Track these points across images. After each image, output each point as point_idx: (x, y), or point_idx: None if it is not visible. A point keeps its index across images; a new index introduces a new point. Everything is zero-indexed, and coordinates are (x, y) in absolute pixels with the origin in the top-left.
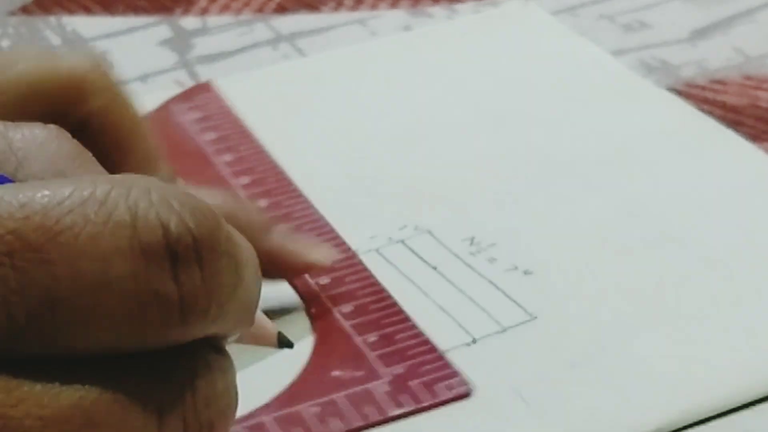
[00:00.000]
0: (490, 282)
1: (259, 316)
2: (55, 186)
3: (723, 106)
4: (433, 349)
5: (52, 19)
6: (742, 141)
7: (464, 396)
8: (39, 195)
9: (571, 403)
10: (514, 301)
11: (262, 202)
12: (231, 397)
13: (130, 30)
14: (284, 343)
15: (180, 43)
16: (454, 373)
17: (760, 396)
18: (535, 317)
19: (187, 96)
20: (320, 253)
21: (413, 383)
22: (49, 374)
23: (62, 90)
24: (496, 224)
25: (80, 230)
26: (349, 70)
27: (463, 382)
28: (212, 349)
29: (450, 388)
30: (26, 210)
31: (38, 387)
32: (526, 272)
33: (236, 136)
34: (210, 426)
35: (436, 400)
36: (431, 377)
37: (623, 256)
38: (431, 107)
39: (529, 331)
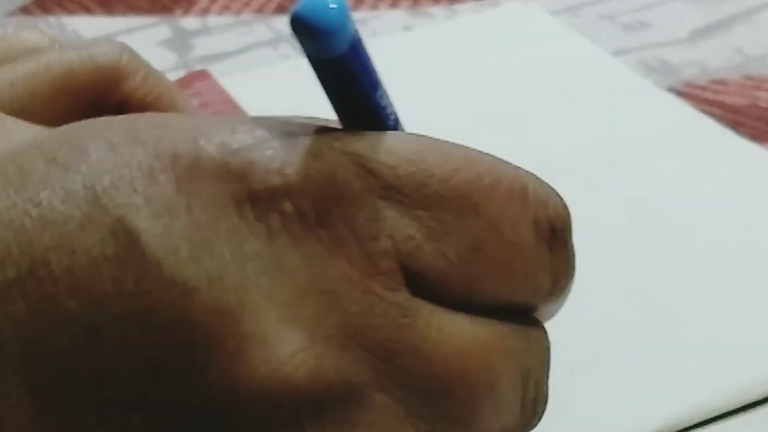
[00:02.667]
0: None
1: None
2: (465, 149)
3: (723, 106)
4: None
5: (52, 20)
6: (742, 141)
7: None
8: (461, 153)
9: (571, 409)
10: None
11: None
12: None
13: (130, 30)
14: None
15: (180, 43)
16: None
17: (760, 398)
18: None
19: (185, 83)
20: None
21: None
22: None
23: (101, 74)
24: None
25: (498, 193)
26: None
27: None
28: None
29: None
30: (454, 163)
31: (465, 319)
32: None
33: None
34: (543, 402)
35: None
36: None
37: (622, 258)
38: (431, 107)
39: None
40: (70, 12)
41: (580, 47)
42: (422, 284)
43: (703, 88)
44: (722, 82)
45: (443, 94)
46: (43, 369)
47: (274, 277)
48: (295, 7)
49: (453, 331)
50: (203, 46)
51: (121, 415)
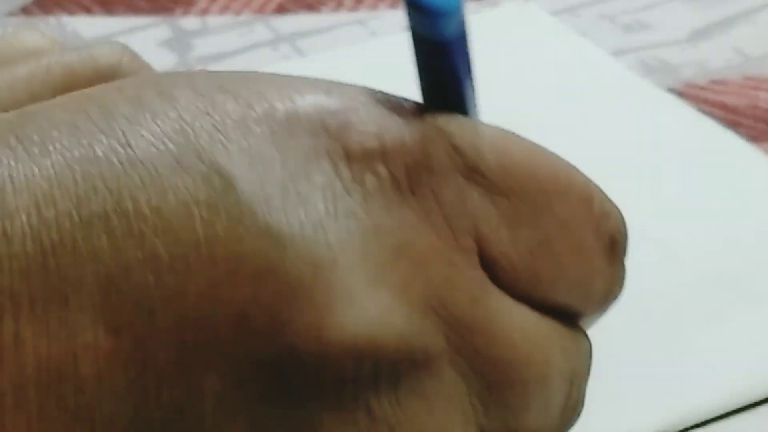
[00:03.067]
0: None
1: None
2: (545, 148)
3: (723, 106)
4: None
5: (52, 20)
6: (742, 142)
7: None
8: (542, 150)
9: None
10: None
11: None
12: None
13: (130, 30)
14: None
15: (180, 43)
16: None
17: (760, 398)
18: None
19: None
20: None
21: None
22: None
23: (101, 76)
24: None
25: (571, 195)
26: (349, 70)
27: None
28: None
29: None
30: (536, 157)
31: (527, 310)
32: None
33: None
34: (581, 406)
35: None
36: None
37: None
38: None
39: None
40: (70, 12)
41: (580, 47)
42: (492, 270)
43: (703, 89)
44: (722, 83)
45: None
46: (124, 306)
47: (367, 237)
48: None
49: (520, 319)
50: (203, 46)
51: (202, 360)
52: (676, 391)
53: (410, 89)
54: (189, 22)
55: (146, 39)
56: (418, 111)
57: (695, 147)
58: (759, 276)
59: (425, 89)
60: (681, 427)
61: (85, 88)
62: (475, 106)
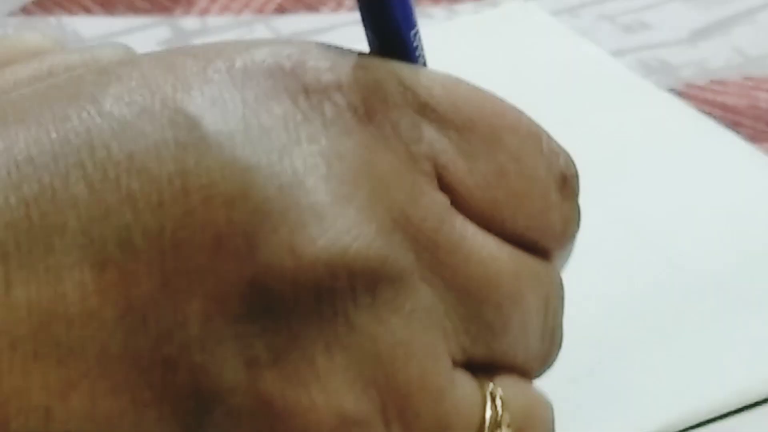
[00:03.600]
0: None
1: None
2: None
3: (723, 106)
4: None
5: (52, 20)
6: (742, 142)
7: None
8: (488, 92)
9: (571, 418)
10: None
11: None
12: None
13: (130, 30)
14: None
15: (180, 43)
16: None
17: (760, 398)
18: None
19: None
20: None
21: None
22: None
23: None
24: None
25: (519, 130)
26: None
27: None
28: None
29: None
30: (483, 96)
31: (494, 238)
32: None
33: None
34: (559, 338)
35: None
36: None
37: (622, 260)
38: None
39: None
40: (70, 12)
41: (580, 47)
42: (452, 197)
43: (702, 89)
44: (722, 83)
45: None
46: (106, 244)
47: (330, 159)
48: None
49: (485, 241)
50: None
51: (184, 286)
52: (676, 391)
53: None
54: (189, 22)
55: (146, 39)
56: (370, 55)
57: (695, 147)
58: (759, 276)
59: (372, 43)
60: (681, 427)
61: None
62: (421, 56)
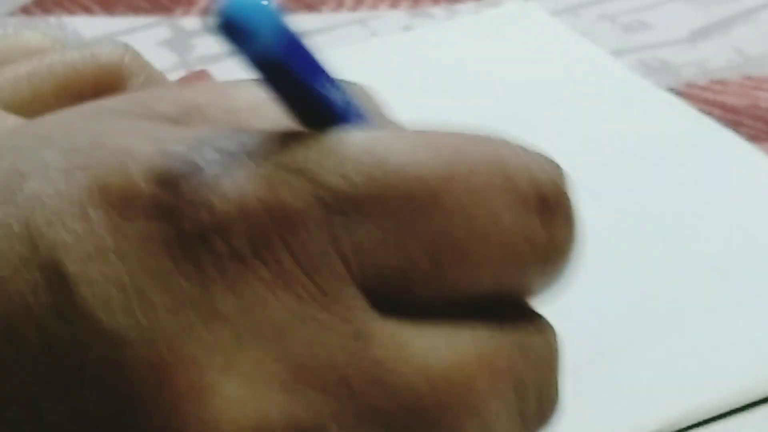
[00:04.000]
0: None
1: None
2: (425, 135)
3: (723, 106)
4: None
5: (52, 20)
6: (742, 142)
7: None
8: (422, 142)
9: (572, 408)
10: None
11: None
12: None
13: (130, 30)
14: None
15: (180, 43)
16: None
17: (760, 398)
18: None
19: (184, 83)
20: None
21: None
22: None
23: (103, 74)
24: None
25: (471, 179)
26: (349, 70)
27: None
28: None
29: None
30: (415, 155)
31: (437, 331)
32: None
33: None
34: (551, 409)
35: None
36: None
37: (621, 258)
38: (431, 108)
39: None
40: (71, 12)
41: (580, 47)
42: (387, 294)
43: (703, 89)
44: (722, 83)
45: (443, 94)
46: None
47: (209, 325)
48: (221, 6)
49: (420, 350)
50: (203, 46)
51: None
52: (676, 390)
53: (410, 89)
54: (189, 22)
55: (146, 39)
56: (271, 151)
57: (695, 147)
58: (759, 276)
59: (284, 104)
60: (681, 427)
61: (87, 86)
62: (344, 106)
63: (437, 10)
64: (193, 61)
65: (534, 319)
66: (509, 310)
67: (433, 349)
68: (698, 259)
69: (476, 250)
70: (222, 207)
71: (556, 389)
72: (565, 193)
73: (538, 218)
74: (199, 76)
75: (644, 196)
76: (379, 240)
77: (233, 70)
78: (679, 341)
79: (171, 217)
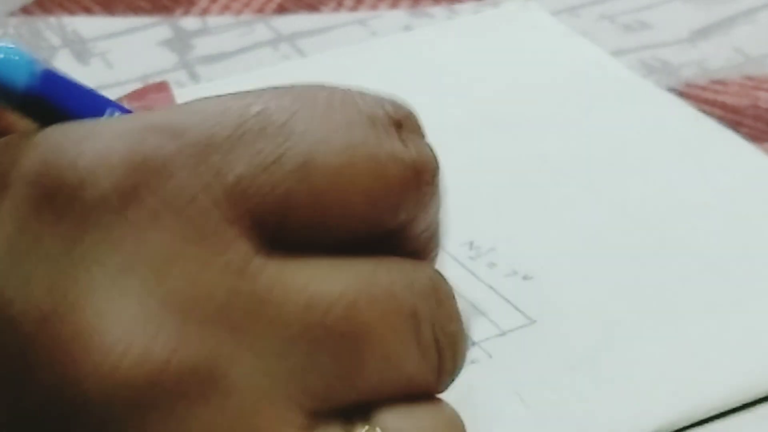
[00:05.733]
0: (490, 287)
1: None
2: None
3: (723, 106)
4: None
5: (52, 20)
6: (742, 141)
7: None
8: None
9: (570, 405)
10: (514, 306)
11: None
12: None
13: (131, 30)
14: None
15: (180, 43)
16: None
17: (758, 397)
18: (534, 321)
19: (139, 95)
20: None
21: None
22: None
23: None
24: (496, 228)
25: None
26: (349, 70)
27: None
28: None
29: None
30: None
31: (322, 263)
32: (525, 277)
33: None
34: (453, 343)
35: None
36: None
37: (622, 259)
38: (430, 108)
39: (528, 335)
40: (71, 12)
41: (580, 47)
42: (272, 233)
43: (703, 88)
44: (722, 82)
45: (443, 94)
46: None
47: (87, 270)
48: None
49: (307, 282)
50: (203, 46)
51: None
52: (676, 390)
53: (410, 89)
54: (189, 22)
55: (146, 39)
56: (135, 116)
57: (695, 147)
58: (759, 275)
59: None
60: (681, 426)
61: None
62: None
63: (437, 10)
64: (193, 61)
65: (421, 258)
66: (397, 249)
67: (316, 281)
68: (698, 258)
69: (337, 176)
70: (83, 164)
71: (460, 328)
72: (416, 119)
73: (395, 135)
74: (159, 88)
75: (644, 196)
76: (248, 183)
77: (233, 71)
78: (678, 340)
79: (36, 183)
